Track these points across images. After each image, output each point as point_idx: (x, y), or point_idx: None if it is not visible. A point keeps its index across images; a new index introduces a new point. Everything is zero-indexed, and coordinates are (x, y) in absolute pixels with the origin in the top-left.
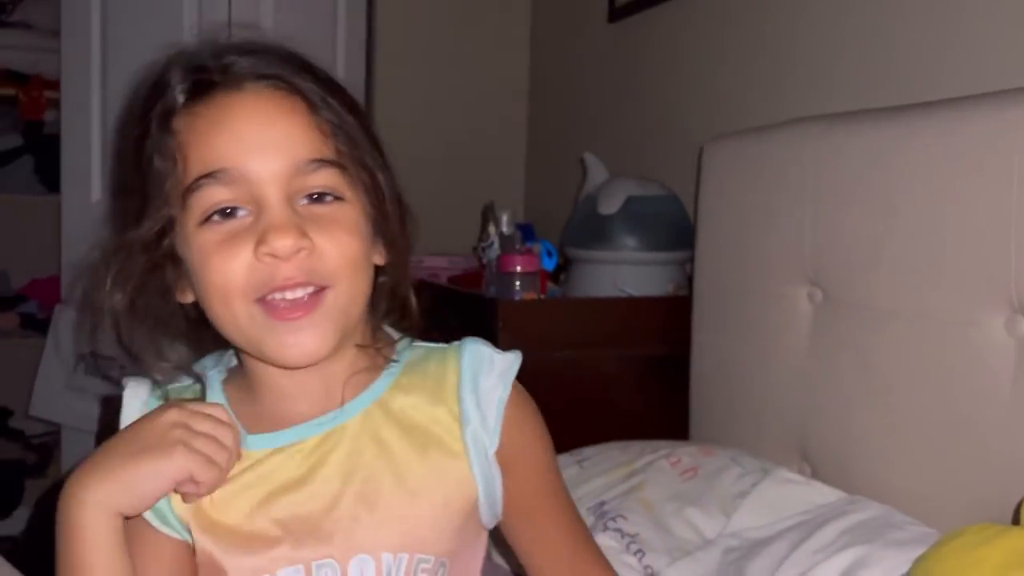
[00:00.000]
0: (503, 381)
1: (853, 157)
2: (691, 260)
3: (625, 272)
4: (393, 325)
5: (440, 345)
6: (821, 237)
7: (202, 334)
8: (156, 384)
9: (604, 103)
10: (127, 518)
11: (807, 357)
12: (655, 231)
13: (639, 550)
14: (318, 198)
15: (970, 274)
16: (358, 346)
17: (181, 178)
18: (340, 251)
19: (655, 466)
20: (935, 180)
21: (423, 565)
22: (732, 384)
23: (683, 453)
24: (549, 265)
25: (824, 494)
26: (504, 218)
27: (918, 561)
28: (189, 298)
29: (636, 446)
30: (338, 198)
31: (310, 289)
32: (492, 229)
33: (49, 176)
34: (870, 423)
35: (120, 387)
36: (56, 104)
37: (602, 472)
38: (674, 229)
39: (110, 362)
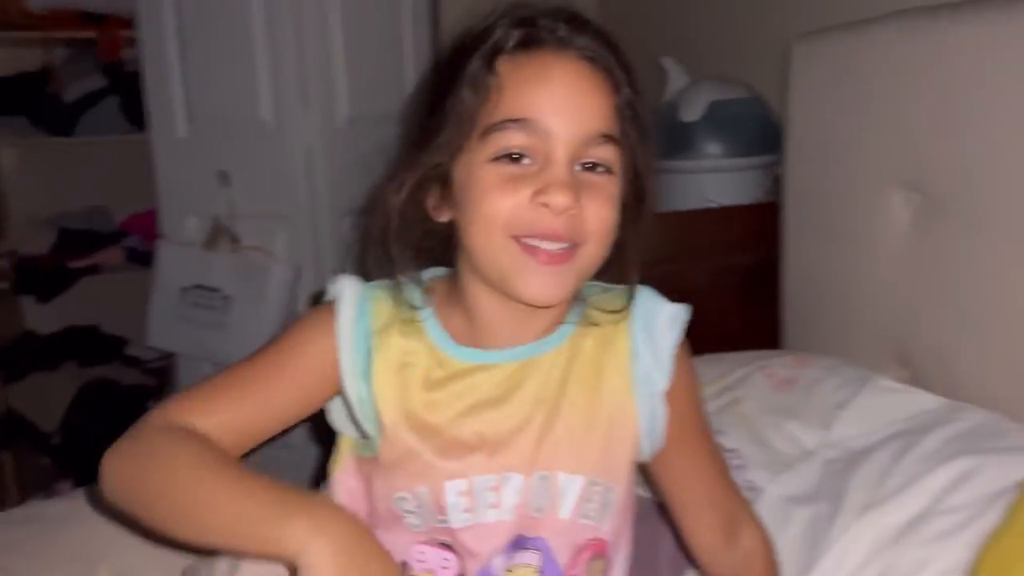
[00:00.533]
0: (674, 325)
1: (961, 52)
2: (778, 163)
3: (711, 180)
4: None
5: (614, 286)
6: (921, 140)
7: (444, 253)
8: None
9: (680, 2)
10: None
11: (905, 263)
12: (741, 136)
13: (740, 465)
14: (592, 167)
15: None
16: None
17: (489, 115)
18: (599, 219)
19: (751, 379)
20: None
21: (595, 487)
22: (825, 291)
23: (778, 365)
24: None
25: (926, 401)
26: None
27: None
28: (444, 217)
29: (729, 359)
30: (609, 171)
31: (564, 244)
32: None
33: (135, 114)
34: (972, 331)
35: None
36: (133, 42)
37: None
38: (760, 133)
39: (213, 292)
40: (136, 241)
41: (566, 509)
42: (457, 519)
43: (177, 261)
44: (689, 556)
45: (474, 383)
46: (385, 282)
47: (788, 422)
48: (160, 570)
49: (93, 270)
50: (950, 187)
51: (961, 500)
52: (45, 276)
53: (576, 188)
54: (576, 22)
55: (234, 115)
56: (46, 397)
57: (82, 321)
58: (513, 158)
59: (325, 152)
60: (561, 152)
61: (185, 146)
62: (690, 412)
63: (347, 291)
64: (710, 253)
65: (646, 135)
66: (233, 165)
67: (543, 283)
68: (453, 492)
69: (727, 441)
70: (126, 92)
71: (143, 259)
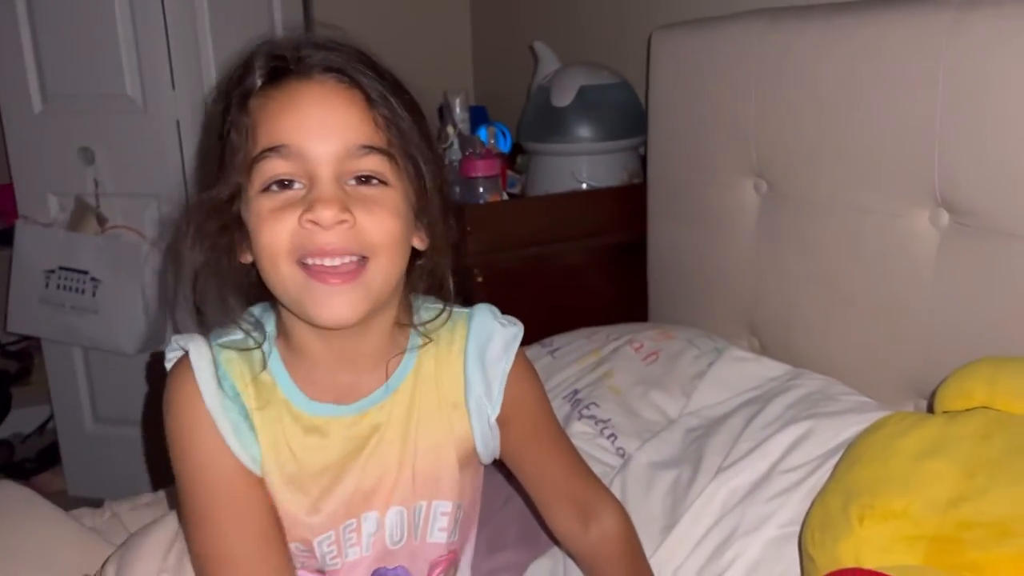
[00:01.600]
0: (507, 352)
1: (796, 53)
2: (644, 144)
3: (582, 163)
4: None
5: (447, 307)
6: (765, 131)
7: (260, 292)
8: (207, 338)
9: None
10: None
11: (754, 243)
12: (609, 120)
13: (612, 434)
14: (365, 180)
15: (900, 170)
16: (397, 324)
17: (250, 151)
18: (380, 228)
19: (620, 352)
20: (870, 79)
21: (442, 510)
22: (686, 268)
23: (645, 338)
24: (504, 147)
25: (772, 368)
26: (457, 102)
27: (848, 449)
28: (248, 258)
29: (602, 333)
30: (383, 182)
31: (348, 259)
32: (451, 130)
33: None
34: (812, 303)
35: (164, 344)
36: None
37: (572, 361)
38: (628, 116)
39: (80, 275)
40: None
41: (420, 535)
42: (328, 564)
43: (39, 242)
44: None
45: (331, 441)
46: (229, 337)
47: (653, 392)
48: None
49: None
50: (791, 176)
51: (798, 460)
52: None
53: (343, 201)
54: (325, 47)
55: (96, 92)
56: None
57: None
58: (283, 185)
59: (194, 128)
60: (323, 170)
61: (41, 122)
62: (532, 422)
63: (199, 360)
64: (584, 232)
65: (428, 144)
66: (96, 143)
67: (335, 303)
68: (324, 543)
69: (601, 413)
70: None
71: None
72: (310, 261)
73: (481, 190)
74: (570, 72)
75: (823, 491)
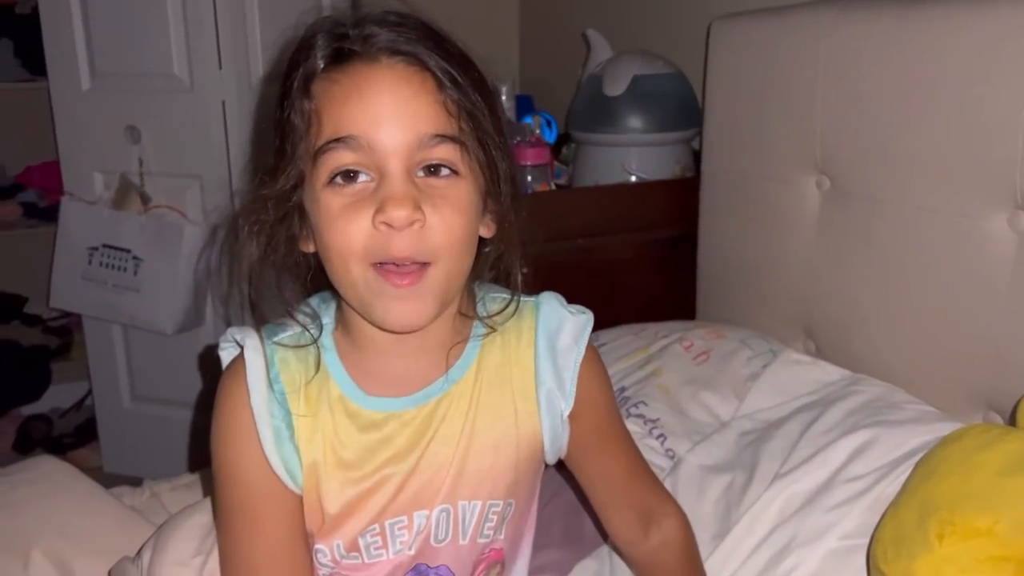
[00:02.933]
0: (578, 344)
1: (868, 46)
2: (697, 136)
3: (633, 154)
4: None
5: (511, 295)
6: (831, 125)
7: (322, 282)
8: (262, 332)
9: None
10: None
11: (814, 241)
12: (662, 111)
13: (661, 434)
14: (435, 171)
15: (977, 170)
16: (460, 314)
17: (314, 139)
18: (446, 229)
19: (670, 351)
20: (949, 74)
21: (493, 509)
22: (738, 265)
23: (695, 337)
24: (550, 137)
25: (829, 373)
26: (504, 91)
27: (922, 460)
28: (311, 248)
29: (650, 329)
30: (454, 172)
31: (416, 264)
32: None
33: (31, 60)
34: (874, 306)
35: (218, 338)
36: None
37: (619, 358)
38: (681, 108)
39: (122, 253)
40: (34, 195)
41: (466, 535)
42: (371, 555)
43: (83, 220)
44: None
45: (387, 435)
46: (287, 332)
47: (704, 393)
48: (93, 554)
49: None
50: (856, 173)
51: (861, 469)
52: None
53: (415, 199)
54: (391, 24)
55: (144, 70)
56: None
57: None
58: (350, 176)
59: (239, 109)
60: (394, 163)
61: (89, 100)
62: (599, 421)
63: (253, 356)
64: (632, 226)
65: (499, 129)
66: (142, 121)
67: (403, 308)
68: (367, 536)
69: (649, 412)
70: (20, 36)
71: (42, 214)
72: (384, 265)
73: (529, 179)
74: (623, 61)
75: (895, 504)
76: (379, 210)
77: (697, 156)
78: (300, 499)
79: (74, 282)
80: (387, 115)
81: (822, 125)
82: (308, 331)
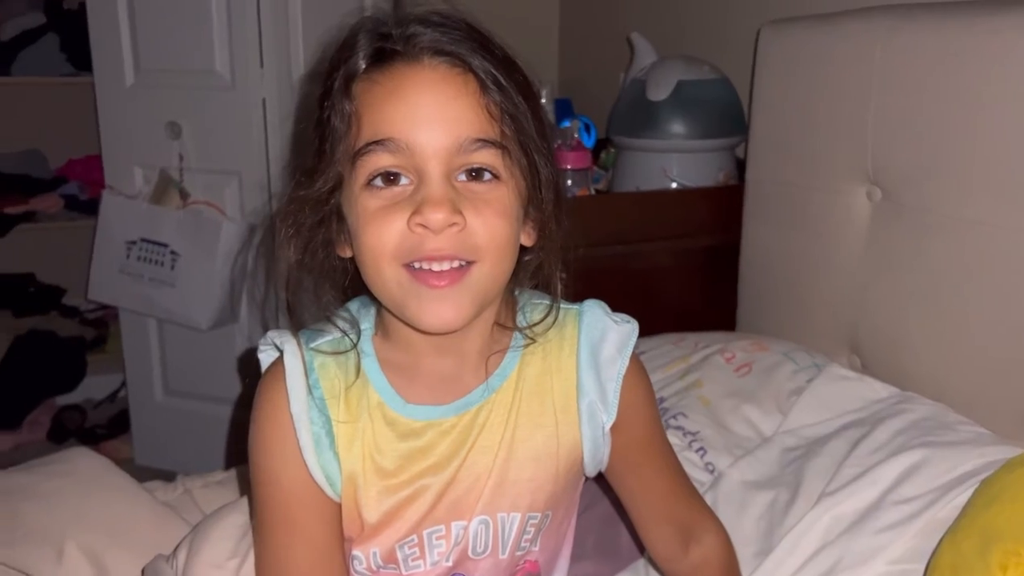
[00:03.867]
0: (622, 353)
1: (928, 54)
2: (741, 144)
3: (675, 160)
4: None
5: (553, 305)
6: (884, 135)
7: (360, 287)
8: (300, 337)
9: None
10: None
11: (862, 254)
12: (707, 117)
13: (701, 448)
14: (476, 175)
15: None
16: (499, 324)
17: (353, 141)
18: (489, 232)
19: (710, 362)
20: (1012, 85)
21: (532, 521)
22: (782, 276)
23: (736, 348)
24: (588, 142)
25: (876, 390)
26: (543, 94)
27: (983, 486)
28: (348, 253)
29: (689, 339)
30: (495, 177)
31: (456, 264)
32: None
33: (76, 54)
34: (924, 322)
35: (251, 335)
36: None
37: (658, 368)
38: (726, 115)
39: (160, 248)
40: (75, 188)
41: (505, 548)
42: (409, 566)
43: (123, 213)
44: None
45: (426, 444)
46: (326, 337)
47: (746, 406)
48: (127, 549)
49: (29, 217)
50: (910, 184)
51: (911, 491)
52: None
53: (454, 202)
54: (434, 23)
55: (186, 67)
56: None
57: (17, 269)
58: (390, 178)
59: (280, 107)
60: (433, 166)
61: (132, 95)
62: (641, 434)
63: (292, 360)
64: (671, 234)
65: (542, 132)
66: (183, 117)
67: (438, 309)
68: (404, 548)
69: (689, 424)
70: (66, 31)
71: (82, 207)
72: (417, 265)
73: (569, 183)
74: (668, 65)
75: (953, 530)
76: (416, 212)
77: (741, 164)
78: (338, 507)
79: (112, 275)
80: (427, 117)
81: (875, 135)
82: (348, 336)
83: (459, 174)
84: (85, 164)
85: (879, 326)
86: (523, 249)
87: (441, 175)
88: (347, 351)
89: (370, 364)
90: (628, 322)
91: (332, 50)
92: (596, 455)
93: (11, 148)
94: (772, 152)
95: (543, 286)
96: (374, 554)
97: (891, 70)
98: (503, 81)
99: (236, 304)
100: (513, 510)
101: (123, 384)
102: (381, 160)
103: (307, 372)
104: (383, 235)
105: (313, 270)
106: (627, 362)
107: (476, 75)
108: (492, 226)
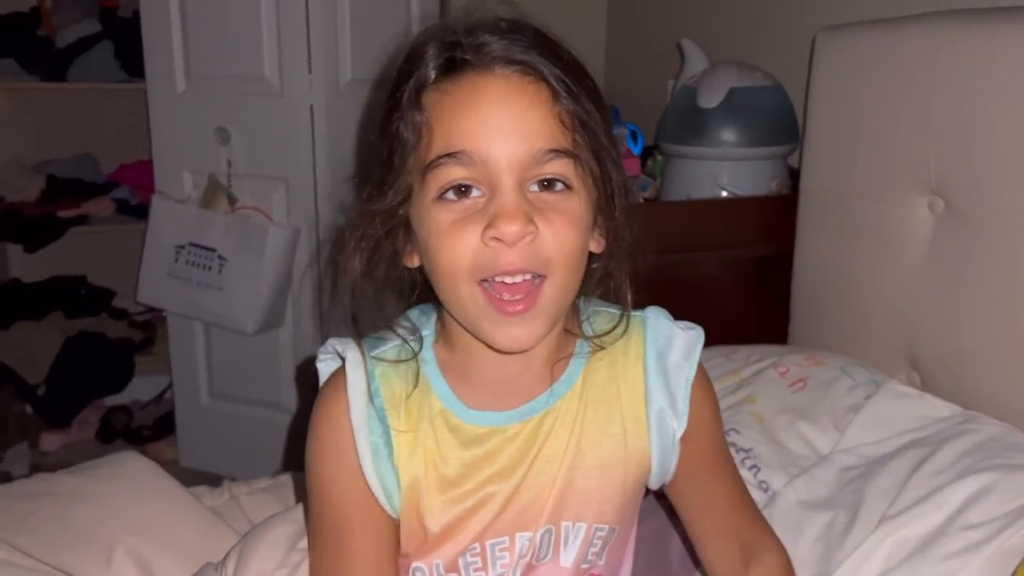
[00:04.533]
0: (689, 360)
1: (997, 58)
2: (794, 152)
3: (726, 169)
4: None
5: (618, 310)
6: (948, 144)
7: (425, 296)
8: (361, 346)
9: None
10: None
11: (923, 266)
12: (759, 125)
13: (754, 465)
14: (547, 185)
15: None
16: (565, 330)
17: (424, 153)
18: (560, 244)
19: (763, 376)
20: None
21: (599, 533)
22: (837, 289)
23: (790, 362)
24: (636, 150)
25: (938, 408)
26: None
27: None
28: (416, 263)
29: (741, 352)
30: (567, 187)
31: (528, 276)
32: None
33: (129, 61)
34: (990, 337)
35: (296, 340)
36: None
37: None
38: (779, 122)
39: (208, 252)
40: (127, 192)
41: (569, 558)
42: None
43: (172, 218)
44: (696, 561)
45: (490, 451)
46: (387, 345)
47: (801, 423)
48: (175, 556)
49: (82, 220)
50: (976, 195)
51: (980, 516)
52: (32, 224)
53: (527, 213)
54: (504, 31)
55: (236, 73)
56: (30, 347)
57: (69, 271)
58: (461, 191)
59: (327, 113)
60: (506, 177)
61: (184, 101)
62: (708, 446)
63: (354, 369)
64: (721, 243)
65: (611, 139)
66: (233, 123)
67: (514, 332)
68: (467, 555)
69: (742, 441)
70: (121, 38)
71: (133, 211)
72: (492, 281)
73: None
74: (720, 72)
75: None
76: (489, 225)
77: (794, 172)
78: (394, 523)
79: (160, 278)
80: (501, 128)
81: (938, 143)
82: (409, 343)
83: (531, 184)
84: (136, 169)
85: (940, 342)
86: (591, 257)
87: (514, 186)
88: (409, 359)
89: (432, 371)
90: (692, 328)
91: (400, 59)
92: (664, 465)
93: (66, 153)
94: (828, 161)
95: (610, 294)
96: (437, 565)
97: (957, 77)
98: (574, 88)
99: (282, 308)
100: (578, 520)
101: (169, 386)
102: (453, 173)
103: (368, 380)
104: (457, 251)
105: (377, 280)
106: (695, 368)
107: (548, 83)
108: (563, 236)
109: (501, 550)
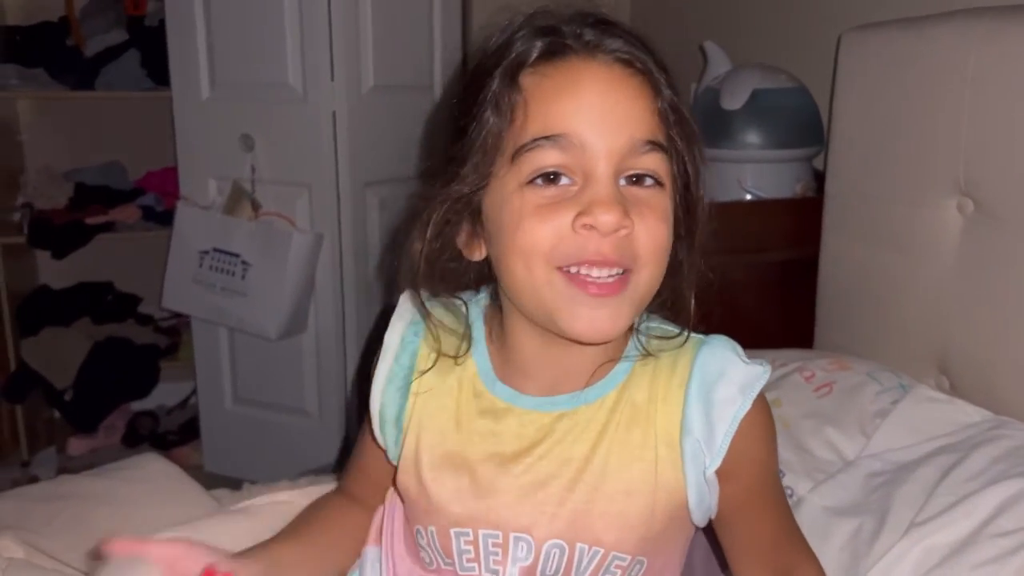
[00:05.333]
0: (744, 395)
1: (1021, 57)
2: (819, 155)
3: (750, 171)
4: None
5: (679, 330)
6: (978, 145)
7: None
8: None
9: None
10: None
11: (952, 269)
12: (783, 127)
13: (779, 471)
14: (638, 180)
15: None
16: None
17: (517, 135)
18: (652, 238)
19: (789, 380)
20: None
21: (617, 562)
22: (863, 292)
23: (816, 367)
24: None
25: (969, 414)
26: None
27: None
28: (480, 254)
29: (766, 356)
30: (658, 183)
31: (616, 271)
32: None
33: (155, 70)
34: (1020, 342)
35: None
36: None
37: None
38: (803, 124)
39: (232, 258)
40: (152, 199)
41: None
42: (463, 567)
43: (196, 224)
44: (722, 564)
45: (501, 429)
46: (444, 303)
47: (827, 428)
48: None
49: (109, 227)
50: (1007, 196)
51: (1011, 524)
52: (60, 231)
53: (624, 205)
54: (604, 24)
55: (260, 80)
56: (58, 352)
57: (96, 278)
58: (550, 179)
59: (350, 119)
60: (603, 166)
61: (208, 108)
62: (755, 483)
63: (400, 318)
64: (745, 247)
65: (694, 139)
66: (256, 130)
67: (595, 317)
68: (460, 539)
69: None
70: (147, 47)
71: (159, 218)
72: (575, 270)
73: None
74: (743, 74)
75: None
76: (584, 212)
77: (819, 175)
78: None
79: (185, 284)
80: (603, 114)
81: (968, 144)
82: (464, 303)
83: (621, 178)
84: (162, 176)
85: (970, 346)
86: None
87: (610, 176)
88: (462, 305)
89: (478, 333)
90: (761, 364)
91: (495, 42)
92: (703, 501)
93: (93, 160)
94: (854, 163)
95: (673, 303)
96: (432, 533)
97: (987, 77)
98: (673, 85)
99: (305, 314)
100: (595, 544)
101: (194, 391)
102: (549, 157)
103: (416, 316)
104: (540, 232)
105: (437, 269)
106: (749, 405)
107: (650, 76)
108: (655, 232)
109: (494, 545)
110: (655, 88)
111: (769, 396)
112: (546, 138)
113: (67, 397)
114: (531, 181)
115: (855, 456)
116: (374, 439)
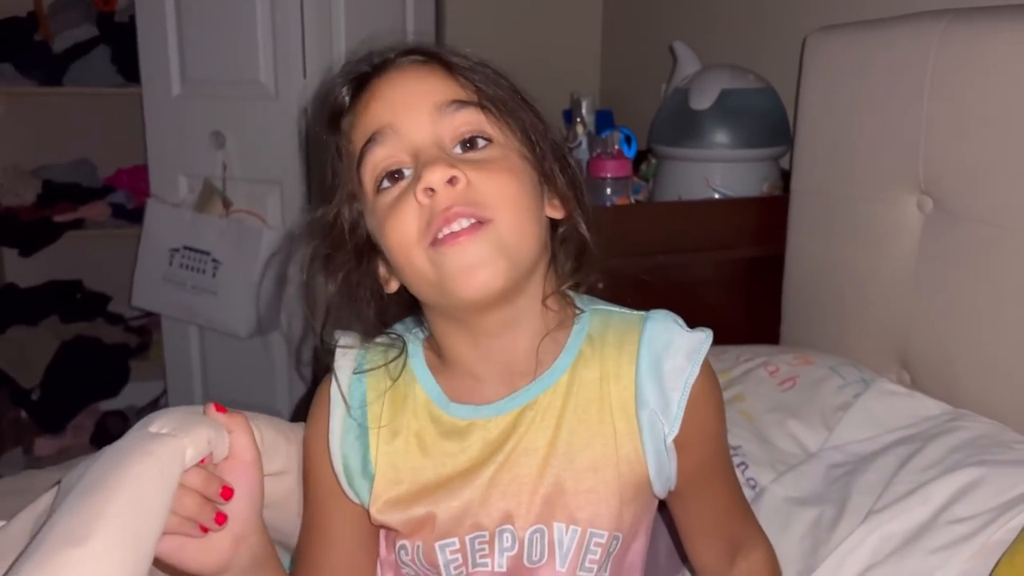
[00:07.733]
0: (691, 361)
1: (984, 57)
2: (786, 154)
3: (718, 170)
4: (576, 285)
5: (623, 310)
6: (937, 143)
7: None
8: (362, 344)
9: None
10: None
11: (913, 266)
12: (751, 127)
13: (743, 463)
14: (470, 145)
15: None
16: (544, 307)
17: (353, 158)
18: (497, 185)
19: (753, 375)
20: None
21: (596, 539)
22: (828, 289)
23: (781, 362)
24: (629, 153)
25: (928, 407)
26: (585, 104)
27: None
28: (394, 287)
29: (731, 352)
30: (488, 140)
31: (469, 220)
32: (580, 129)
33: (125, 66)
34: (980, 337)
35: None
36: None
37: None
38: (770, 124)
39: (202, 255)
40: (123, 197)
41: (564, 563)
42: (450, 574)
43: (167, 221)
44: (683, 556)
45: (468, 444)
46: (382, 340)
47: (790, 421)
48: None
49: (78, 224)
50: (965, 194)
51: (967, 511)
52: (28, 229)
53: (448, 160)
54: (403, 50)
55: (231, 77)
56: (25, 351)
57: (65, 276)
58: (394, 177)
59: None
60: (421, 137)
61: (179, 105)
62: (709, 452)
63: (337, 385)
64: (714, 244)
65: (522, 96)
66: (228, 127)
67: (466, 266)
68: (445, 551)
69: (731, 439)
70: (117, 43)
71: (129, 215)
72: (440, 236)
73: (609, 191)
74: (712, 74)
75: (1011, 553)
76: (416, 181)
77: (785, 174)
78: (364, 511)
79: (155, 282)
80: (405, 98)
81: (927, 143)
82: (393, 337)
83: (454, 147)
84: (132, 174)
85: (930, 341)
86: (557, 224)
87: (432, 143)
88: (397, 346)
89: (418, 365)
90: (702, 331)
91: (320, 109)
92: (662, 471)
93: (62, 157)
94: (818, 162)
95: (576, 258)
96: (417, 548)
97: (945, 76)
98: (469, 62)
99: (275, 312)
100: (572, 523)
101: (164, 391)
102: (377, 155)
103: (356, 363)
104: (402, 222)
105: (358, 308)
106: (697, 371)
107: (439, 57)
108: (497, 180)
109: (480, 543)
110: (448, 64)
111: (734, 391)
112: (368, 142)
113: (34, 397)
114: (379, 189)
115: (817, 448)
116: (343, 496)
